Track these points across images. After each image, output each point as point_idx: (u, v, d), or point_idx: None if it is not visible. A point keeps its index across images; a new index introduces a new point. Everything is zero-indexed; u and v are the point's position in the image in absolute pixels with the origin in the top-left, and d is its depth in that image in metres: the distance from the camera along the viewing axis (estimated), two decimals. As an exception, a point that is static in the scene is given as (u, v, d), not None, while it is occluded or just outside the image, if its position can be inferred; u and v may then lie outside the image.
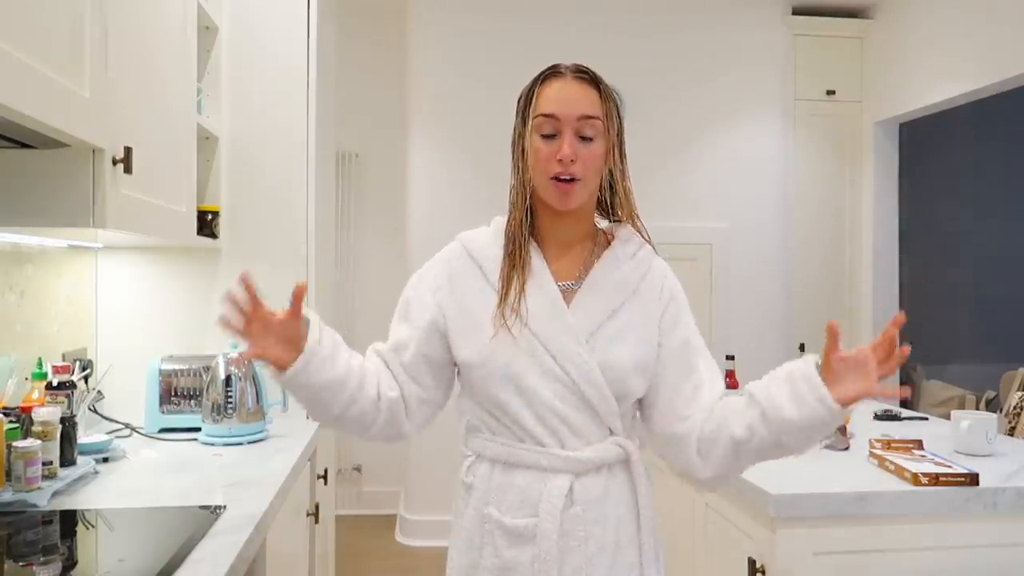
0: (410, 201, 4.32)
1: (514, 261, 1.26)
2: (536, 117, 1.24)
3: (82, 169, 1.42)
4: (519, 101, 1.29)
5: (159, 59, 1.82)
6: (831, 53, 4.44)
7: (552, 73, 1.27)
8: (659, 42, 4.38)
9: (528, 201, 1.28)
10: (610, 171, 1.30)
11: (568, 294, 1.27)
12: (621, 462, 1.27)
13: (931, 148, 5.21)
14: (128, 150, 1.48)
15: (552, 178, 1.23)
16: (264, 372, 2.15)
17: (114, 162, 1.45)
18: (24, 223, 1.48)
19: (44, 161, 1.41)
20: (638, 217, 1.35)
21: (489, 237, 1.33)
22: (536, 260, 1.28)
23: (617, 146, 1.29)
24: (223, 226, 2.38)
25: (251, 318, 1.17)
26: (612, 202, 1.35)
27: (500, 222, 1.33)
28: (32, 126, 1.20)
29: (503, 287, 1.25)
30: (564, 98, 1.23)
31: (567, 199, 1.24)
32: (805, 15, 4.42)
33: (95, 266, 2.31)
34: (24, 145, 1.36)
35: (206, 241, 2.27)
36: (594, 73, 1.27)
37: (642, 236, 1.35)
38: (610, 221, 1.37)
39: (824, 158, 4.46)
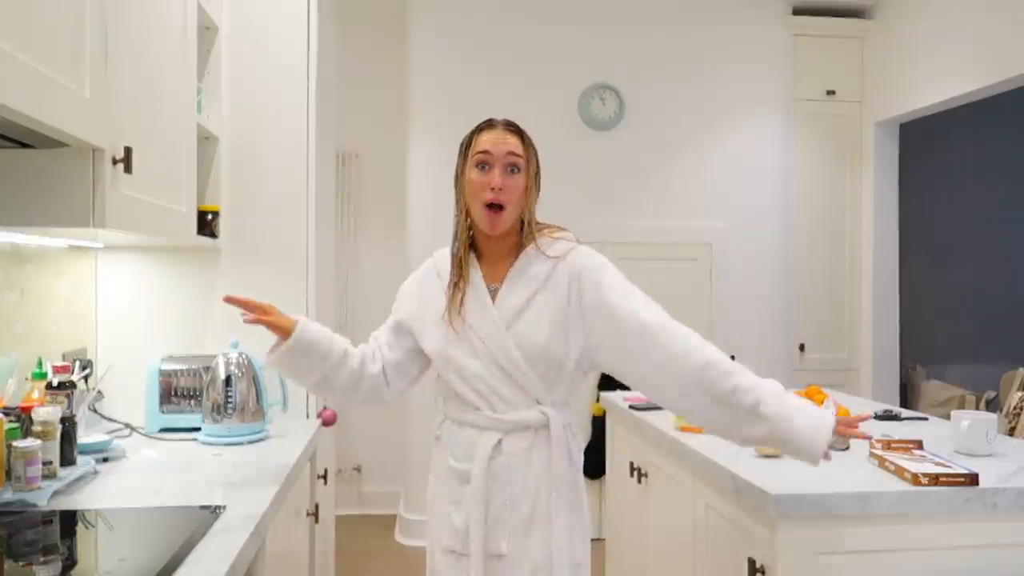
0: (410, 201, 4.32)
1: (457, 277, 1.64)
2: (475, 155, 1.61)
3: (82, 169, 1.42)
4: (460, 147, 1.66)
5: (159, 59, 1.82)
6: (831, 53, 4.44)
7: (487, 125, 1.65)
8: (659, 42, 4.38)
9: (469, 230, 1.64)
10: (528, 199, 1.64)
11: (495, 293, 1.63)
12: (543, 427, 1.60)
13: (931, 148, 5.21)
14: (128, 150, 1.49)
15: (486, 205, 1.58)
16: (265, 372, 2.16)
17: (114, 162, 1.45)
18: (24, 223, 1.48)
19: (44, 161, 1.41)
20: (547, 229, 1.69)
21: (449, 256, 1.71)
22: (473, 272, 1.65)
23: (534, 182, 1.65)
24: (223, 226, 2.38)
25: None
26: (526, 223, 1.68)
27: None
28: (32, 126, 1.20)
29: (451, 294, 1.64)
30: (496, 140, 1.61)
31: (495, 224, 1.60)
32: (805, 15, 4.42)
33: (95, 266, 2.31)
34: (24, 145, 1.36)
35: (206, 241, 2.27)
36: (518, 126, 1.65)
37: (559, 235, 1.69)
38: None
39: (824, 158, 4.46)
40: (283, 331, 1.61)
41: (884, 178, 4.43)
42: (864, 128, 4.46)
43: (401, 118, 4.52)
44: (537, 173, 1.66)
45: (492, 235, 1.62)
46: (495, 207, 1.58)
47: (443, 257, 1.72)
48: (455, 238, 1.67)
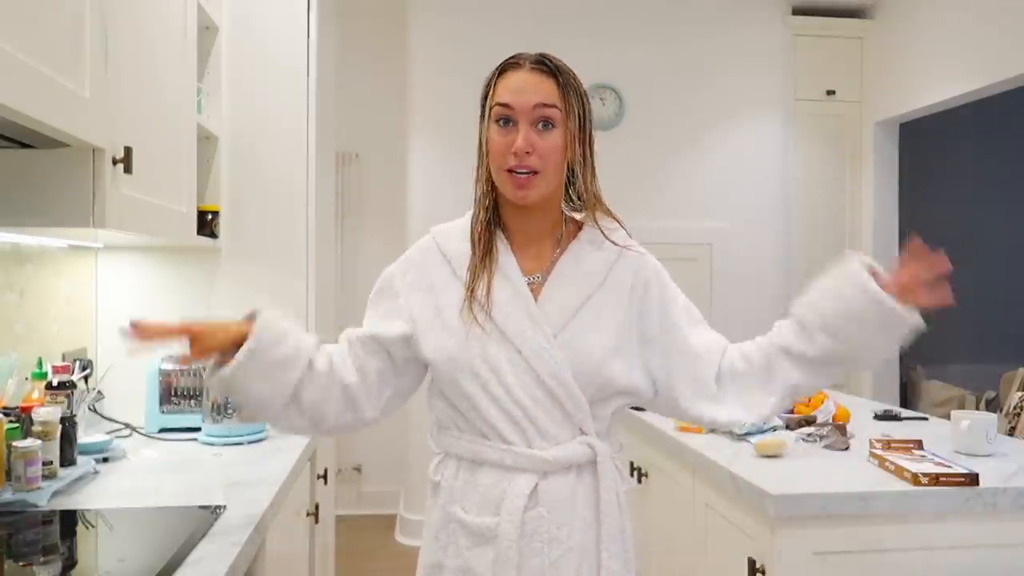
0: (410, 201, 4.32)
1: (481, 255, 1.24)
2: (493, 107, 1.23)
3: (82, 169, 1.42)
4: (481, 95, 1.28)
5: (159, 59, 1.82)
6: (831, 53, 4.44)
7: (511, 64, 1.25)
8: (659, 42, 4.37)
9: (492, 195, 1.27)
10: (570, 163, 1.25)
11: (536, 288, 1.25)
12: (590, 463, 1.24)
13: (931, 148, 5.21)
14: (128, 150, 1.48)
15: (508, 170, 1.21)
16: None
17: (114, 162, 1.45)
18: (24, 223, 1.48)
19: (44, 161, 1.41)
20: (605, 210, 1.30)
21: (459, 231, 1.31)
22: (503, 254, 1.26)
23: (579, 138, 1.23)
24: (223, 226, 2.38)
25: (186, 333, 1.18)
26: (575, 195, 1.29)
27: (470, 215, 1.32)
28: (32, 126, 1.20)
29: (470, 281, 1.23)
30: (520, 88, 1.21)
31: (524, 192, 1.21)
32: (805, 15, 4.42)
33: (95, 266, 2.31)
34: (24, 145, 1.36)
35: (206, 241, 2.27)
36: (555, 63, 1.24)
37: (615, 224, 1.32)
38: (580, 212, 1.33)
39: (824, 158, 4.46)
40: (229, 342, 1.17)
41: (884, 178, 4.43)
42: (864, 128, 4.45)
43: (401, 118, 4.52)
44: (585, 126, 1.25)
45: (522, 205, 1.24)
46: (522, 172, 1.20)
47: (447, 234, 1.32)
48: (474, 210, 1.29)
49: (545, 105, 1.20)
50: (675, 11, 4.39)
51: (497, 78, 1.25)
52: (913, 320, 1.19)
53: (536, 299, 1.24)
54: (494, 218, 1.28)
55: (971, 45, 3.68)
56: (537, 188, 1.22)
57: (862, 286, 1.19)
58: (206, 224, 2.30)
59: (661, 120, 4.37)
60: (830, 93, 4.42)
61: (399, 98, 4.53)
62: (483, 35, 4.24)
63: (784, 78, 4.44)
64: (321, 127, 2.55)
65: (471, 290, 1.23)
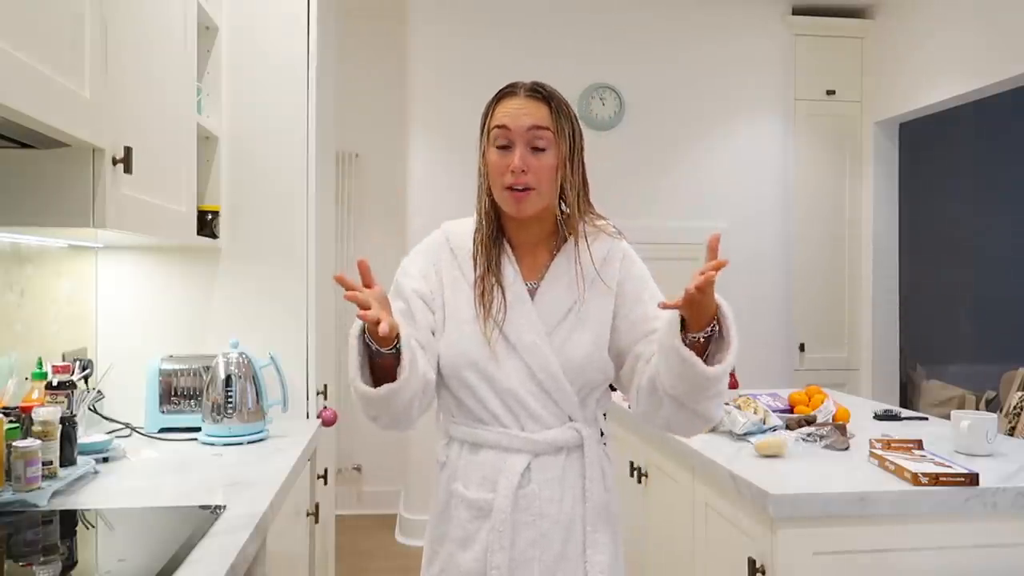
0: (410, 201, 4.32)
1: (484, 270, 1.37)
2: (492, 130, 1.36)
3: (82, 169, 1.42)
4: (481, 118, 1.40)
5: (159, 59, 1.82)
6: (831, 53, 4.44)
7: (508, 91, 1.38)
8: (659, 42, 4.38)
9: (493, 210, 1.40)
10: (561, 181, 1.37)
11: (532, 291, 1.40)
12: (577, 446, 1.38)
13: (931, 148, 5.21)
14: (128, 150, 1.48)
15: (507, 188, 1.34)
16: (265, 372, 2.15)
17: (114, 162, 1.45)
18: (24, 223, 1.48)
19: (44, 161, 1.41)
20: (593, 217, 1.43)
21: (468, 230, 1.44)
22: (507, 264, 1.40)
23: (568, 159, 1.37)
24: (223, 226, 2.38)
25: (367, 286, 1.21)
26: (567, 207, 1.42)
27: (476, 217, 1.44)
28: (32, 126, 1.20)
29: (482, 293, 1.36)
30: (516, 112, 1.34)
31: (521, 207, 1.35)
32: (805, 15, 4.42)
33: (95, 266, 2.31)
34: (24, 145, 1.36)
35: (206, 241, 2.27)
36: (547, 90, 1.37)
37: (602, 229, 1.44)
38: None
39: (824, 158, 4.46)
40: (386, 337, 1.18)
41: (884, 178, 4.43)
42: (864, 128, 4.45)
43: (401, 118, 4.52)
44: (575, 147, 1.38)
45: (520, 218, 1.38)
46: (519, 188, 1.34)
47: (458, 232, 1.45)
48: (478, 225, 1.42)
49: (539, 128, 1.34)
50: (675, 11, 4.39)
51: (495, 104, 1.38)
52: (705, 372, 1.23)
53: (532, 300, 1.38)
54: (497, 230, 1.41)
55: (971, 45, 3.68)
56: (532, 203, 1.36)
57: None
58: (206, 224, 2.30)
59: (661, 120, 4.37)
60: (830, 93, 4.43)
61: (399, 98, 4.53)
62: (483, 35, 4.24)
63: (784, 78, 4.44)
64: (321, 127, 2.55)
65: (486, 305, 1.36)
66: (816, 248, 4.45)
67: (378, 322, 1.14)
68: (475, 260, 1.39)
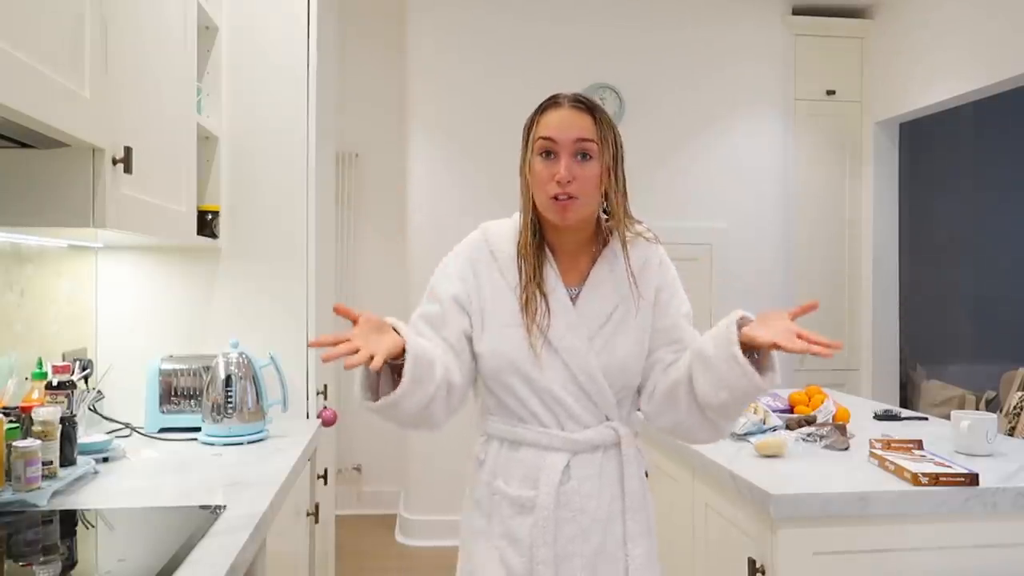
0: (410, 201, 4.32)
1: (529, 278, 1.40)
2: (536, 141, 1.38)
3: (82, 169, 1.42)
4: (524, 130, 1.43)
5: (159, 59, 1.82)
6: (831, 53, 4.44)
7: (552, 103, 1.40)
8: (659, 41, 4.38)
9: (536, 220, 1.43)
10: (605, 190, 1.41)
11: (574, 297, 1.43)
12: (615, 445, 1.43)
13: (931, 148, 5.21)
14: (128, 150, 1.48)
15: (552, 197, 1.36)
16: (265, 372, 2.15)
17: (114, 162, 1.45)
18: (24, 223, 1.48)
19: (44, 161, 1.41)
20: (629, 225, 1.47)
21: (508, 233, 1.47)
22: (550, 271, 1.43)
23: (612, 168, 1.40)
24: (223, 226, 2.38)
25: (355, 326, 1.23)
26: (609, 214, 1.48)
27: (519, 219, 1.47)
28: (32, 126, 1.20)
29: (527, 304, 1.39)
30: (561, 124, 1.37)
31: (565, 215, 1.38)
32: (805, 15, 4.42)
33: (95, 266, 2.31)
34: (24, 145, 1.36)
35: (206, 241, 2.27)
36: (590, 102, 1.40)
37: (640, 234, 1.50)
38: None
39: (824, 158, 4.46)
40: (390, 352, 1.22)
41: (884, 178, 4.43)
42: (864, 128, 4.45)
43: (401, 118, 4.52)
44: (617, 156, 1.41)
45: (563, 226, 1.41)
46: (563, 198, 1.36)
47: (497, 234, 1.47)
48: (521, 233, 1.44)
49: (584, 140, 1.37)
50: (675, 11, 4.39)
51: (539, 116, 1.41)
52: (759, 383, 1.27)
53: (574, 306, 1.42)
54: (541, 239, 1.44)
55: (971, 45, 3.68)
56: (576, 212, 1.38)
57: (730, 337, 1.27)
58: (206, 224, 2.30)
59: (661, 120, 4.37)
60: (830, 93, 4.43)
61: (399, 98, 4.53)
62: (483, 35, 4.24)
63: (784, 78, 4.44)
64: (321, 127, 2.55)
65: (530, 312, 1.38)
66: (816, 248, 4.45)
67: (370, 360, 1.15)
68: (519, 267, 1.42)
